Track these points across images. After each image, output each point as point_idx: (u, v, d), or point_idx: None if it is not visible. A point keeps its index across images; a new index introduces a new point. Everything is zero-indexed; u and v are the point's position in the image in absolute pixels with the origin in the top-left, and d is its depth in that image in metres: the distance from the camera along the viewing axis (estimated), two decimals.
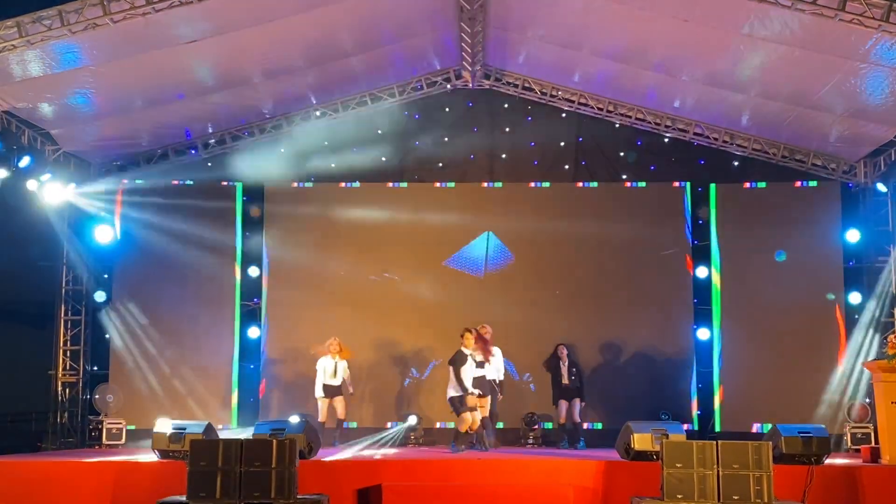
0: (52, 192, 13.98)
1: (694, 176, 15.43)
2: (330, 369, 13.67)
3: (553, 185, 15.51)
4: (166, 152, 15.43)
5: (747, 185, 15.32)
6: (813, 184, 15.23)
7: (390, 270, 15.15)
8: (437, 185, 15.54)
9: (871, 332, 14.27)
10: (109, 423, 14.25)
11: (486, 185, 15.55)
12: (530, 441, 14.20)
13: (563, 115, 15.61)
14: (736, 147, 15.30)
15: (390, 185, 15.50)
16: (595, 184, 15.49)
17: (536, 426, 14.27)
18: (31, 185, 13.56)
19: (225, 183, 15.52)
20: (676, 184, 15.42)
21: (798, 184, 15.24)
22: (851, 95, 12.35)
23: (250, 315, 15.32)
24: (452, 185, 15.53)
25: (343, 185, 15.42)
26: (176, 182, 15.45)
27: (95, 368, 15.09)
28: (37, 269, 14.13)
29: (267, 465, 9.11)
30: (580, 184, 15.51)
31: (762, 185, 15.30)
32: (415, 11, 13.46)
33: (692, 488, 8.96)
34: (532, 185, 15.50)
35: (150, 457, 11.12)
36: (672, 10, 11.81)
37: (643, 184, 15.41)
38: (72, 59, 11.71)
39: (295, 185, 15.54)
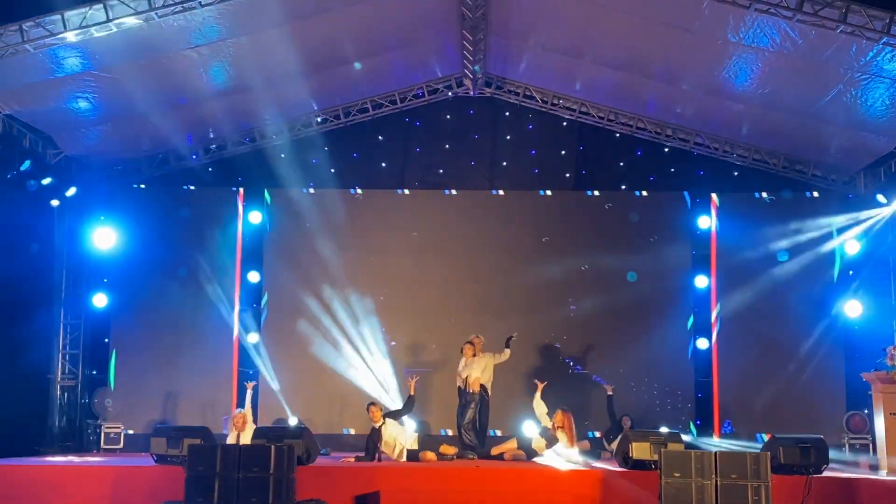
0: (52, 196, 14.00)
1: (694, 185, 15.44)
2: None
3: (553, 193, 15.53)
4: (167, 157, 15.44)
5: (747, 194, 15.33)
6: (813, 194, 15.25)
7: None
8: (438, 192, 15.55)
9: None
10: (107, 428, 14.24)
11: (486, 192, 15.56)
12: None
13: (564, 123, 15.63)
14: (736, 157, 15.32)
15: (391, 191, 15.50)
16: (595, 193, 15.50)
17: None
18: (31, 188, 13.56)
19: (225, 188, 15.53)
20: (676, 193, 15.43)
21: (798, 194, 15.25)
22: (852, 106, 12.37)
23: (249, 320, 15.30)
24: (453, 192, 15.55)
25: (343, 191, 15.43)
26: (177, 187, 15.47)
27: (94, 373, 15.08)
28: (36, 272, 14.10)
29: (265, 471, 9.10)
30: (580, 192, 15.52)
31: (762, 195, 15.31)
32: (417, 19, 13.49)
33: (690, 498, 8.95)
34: (532, 193, 15.51)
35: (148, 461, 11.10)
36: (673, 20, 11.83)
37: (643, 193, 15.43)
38: (74, 63, 11.73)
39: (295, 190, 15.55)
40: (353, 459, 11.81)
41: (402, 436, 12.11)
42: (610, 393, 13.86)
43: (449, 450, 12.17)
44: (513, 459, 12.27)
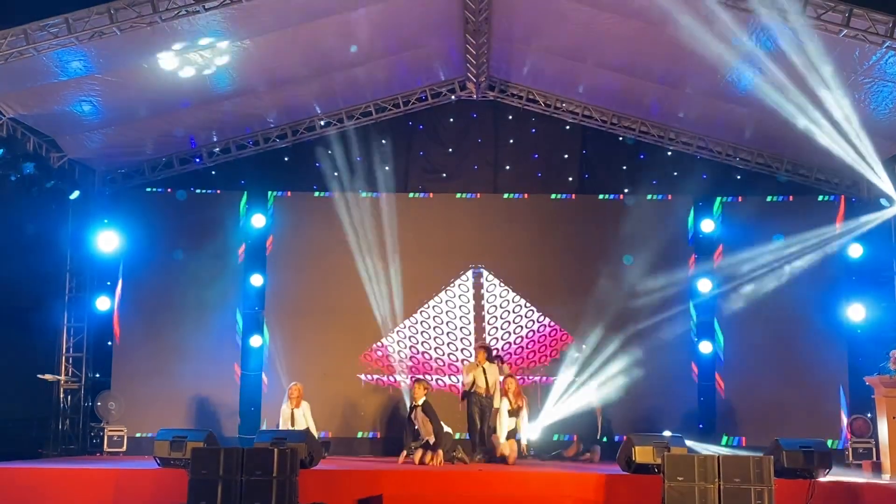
0: (56, 199, 14.01)
1: (697, 189, 15.42)
2: (287, 416, 13.01)
3: (556, 197, 15.53)
4: (171, 160, 15.46)
5: (750, 198, 15.32)
6: (816, 198, 15.26)
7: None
8: (441, 195, 15.56)
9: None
10: (111, 431, 14.26)
11: (489, 195, 15.56)
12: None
13: (567, 127, 15.64)
14: (739, 161, 15.33)
15: (393, 194, 15.49)
16: (598, 196, 15.50)
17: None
18: (35, 191, 13.58)
19: (229, 191, 15.55)
20: (680, 197, 15.43)
21: (801, 198, 15.25)
22: (855, 110, 12.34)
23: (253, 323, 15.31)
24: (455, 196, 15.55)
25: (346, 194, 15.41)
26: (180, 190, 15.50)
27: (97, 375, 15.09)
28: (40, 275, 14.14)
29: (268, 474, 9.09)
30: (583, 196, 15.52)
31: (765, 198, 15.31)
32: (420, 23, 13.50)
33: (693, 502, 8.94)
34: (535, 196, 15.52)
35: (152, 465, 11.11)
36: (676, 24, 11.81)
37: (646, 197, 15.42)
38: (78, 66, 11.76)
39: (299, 194, 15.57)
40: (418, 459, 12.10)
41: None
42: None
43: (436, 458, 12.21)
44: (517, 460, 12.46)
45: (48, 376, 14.45)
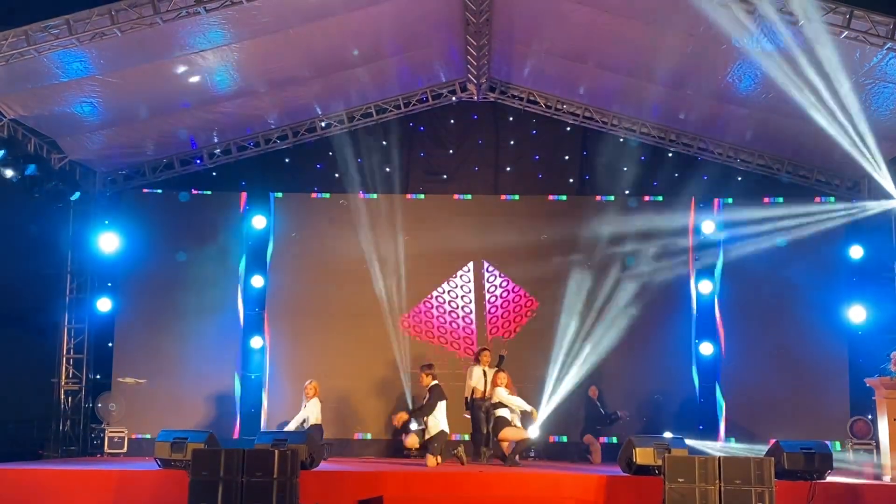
0: (57, 201, 14.01)
1: (698, 191, 15.42)
2: (301, 409, 13.37)
3: (556, 198, 15.52)
4: (172, 162, 15.46)
5: (751, 199, 15.32)
6: (817, 199, 15.26)
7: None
8: (442, 196, 15.55)
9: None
10: (111, 432, 14.26)
11: (490, 197, 15.56)
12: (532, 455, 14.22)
13: (568, 128, 15.64)
14: (740, 162, 15.33)
15: (394, 196, 15.48)
16: (599, 198, 15.49)
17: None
18: (36, 192, 13.58)
19: (230, 193, 15.55)
20: (680, 198, 15.42)
21: (802, 199, 15.24)
22: (857, 109, 12.33)
23: (253, 325, 15.32)
24: (456, 197, 15.55)
25: (347, 195, 15.42)
26: (181, 191, 15.50)
27: (98, 377, 15.09)
28: (41, 276, 14.15)
29: (269, 476, 9.10)
30: (584, 197, 15.51)
31: (766, 200, 15.32)
32: (421, 24, 13.50)
33: (694, 503, 8.94)
34: (536, 197, 15.51)
35: (152, 466, 11.10)
36: (677, 25, 11.83)
37: (647, 198, 15.42)
38: (79, 68, 11.77)
39: (299, 195, 15.57)
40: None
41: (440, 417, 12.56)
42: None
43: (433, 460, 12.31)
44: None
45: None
